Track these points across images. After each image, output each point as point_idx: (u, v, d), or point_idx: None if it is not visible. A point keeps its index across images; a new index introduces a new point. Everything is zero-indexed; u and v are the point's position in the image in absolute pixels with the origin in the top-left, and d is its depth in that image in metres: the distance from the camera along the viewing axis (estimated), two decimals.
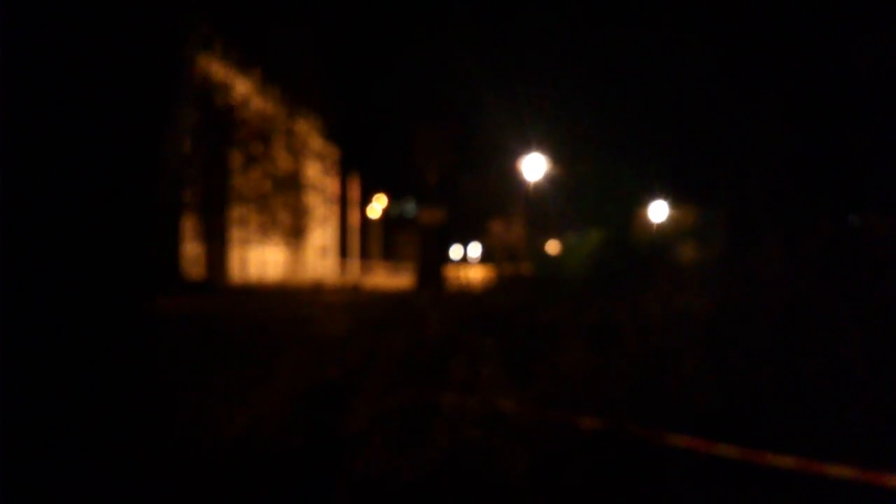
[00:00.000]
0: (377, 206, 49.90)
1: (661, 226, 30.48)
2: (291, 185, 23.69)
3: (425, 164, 22.22)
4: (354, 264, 46.58)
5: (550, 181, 26.62)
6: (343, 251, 49.03)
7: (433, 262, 22.76)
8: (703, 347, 5.71)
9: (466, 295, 15.10)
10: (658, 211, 30.99)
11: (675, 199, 31.33)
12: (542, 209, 28.74)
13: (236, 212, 23.43)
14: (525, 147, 25.07)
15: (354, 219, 47.98)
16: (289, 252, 34.43)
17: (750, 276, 8.90)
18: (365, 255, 49.74)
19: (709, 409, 4.45)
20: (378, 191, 49.38)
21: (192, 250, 25.24)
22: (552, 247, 28.21)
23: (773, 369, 5.20)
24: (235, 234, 26.20)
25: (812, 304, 6.46)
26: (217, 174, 22.53)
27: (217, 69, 22.31)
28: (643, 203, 31.38)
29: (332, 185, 40.31)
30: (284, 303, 14.70)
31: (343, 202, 47.15)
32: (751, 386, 4.93)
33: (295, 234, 24.98)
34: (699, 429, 4.05)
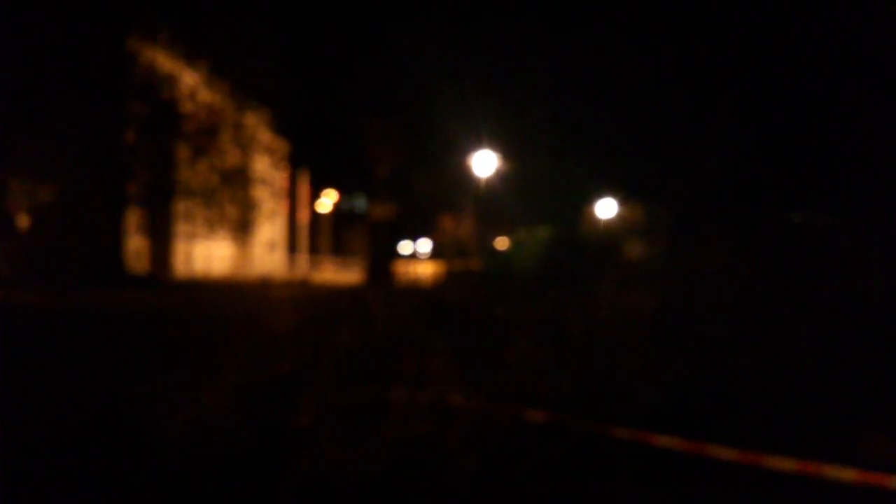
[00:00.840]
0: (327, 200, 49.54)
1: (609, 222, 30.87)
2: (239, 179, 23.38)
3: (376, 160, 22.14)
4: (303, 259, 46.20)
5: (501, 178, 26.74)
6: (292, 246, 48.60)
7: (383, 257, 22.72)
8: (648, 343, 5.79)
9: (416, 290, 15.10)
10: (606, 208, 31.39)
11: (624, 197, 31.78)
12: (492, 205, 28.88)
13: (182, 206, 23.06)
14: (476, 143, 25.15)
15: (304, 214, 47.59)
16: (236, 247, 34.02)
17: (695, 272, 9.05)
18: (314, 250, 49.35)
19: (654, 403, 4.51)
20: (328, 186, 49.02)
21: (136, 244, 24.78)
22: (502, 243, 28.37)
23: (716, 364, 5.29)
24: (181, 228, 25.79)
25: (755, 299, 6.60)
26: (163, 167, 22.16)
27: (163, 61, 21.92)
28: (592, 200, 31.76)
29: (281, 179, 39.92)
30: (231, 298, 14.53)
31: (292, 197, 46.73)
32: (695, 380, 5.01)
33: (242, 228, 24.67)
34: (644, 422, 4.10)
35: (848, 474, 3.41)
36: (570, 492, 3.43)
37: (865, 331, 5.56)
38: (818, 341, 5.33)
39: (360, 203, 54.53)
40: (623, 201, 31.64)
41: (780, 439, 3.84)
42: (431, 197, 31.08)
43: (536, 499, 3.34)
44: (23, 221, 21.63)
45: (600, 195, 31.40)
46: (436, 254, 43.96)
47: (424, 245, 54.02)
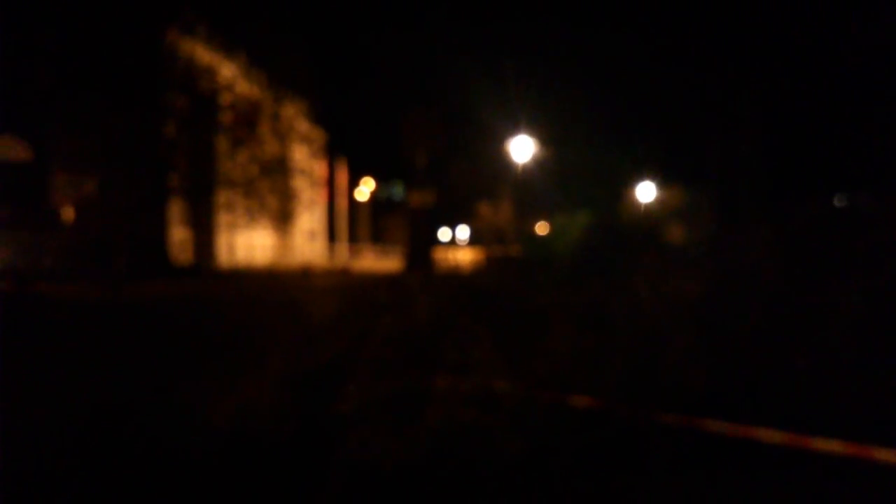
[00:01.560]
0: (365, 189, 49.78)
1: (649, 207, 30.55)
2: (278, 169, 23.60)
3: (414, 148, 22.16)
4: (343, 248, 46.50)
5: (539, 163, 26.61)
6: (331, 235, 48.93)
7: (422, 244, 22.77)
8: (691, 329, 5.73)
9: (455, 277, 15.11)
10: (646, 192, 31.06)
11: (663, 181, 31.42)
12: (530, 191, 28.76)
13: (223, 196, 23.34)
14: (513, 130, 25.04)
15: (342, 202, 47.86)
16: (277, 236, 34.34)
17: (737, 257, 8.93)
18: (353, 238, 49.65)
19: (697, 388, 4.48)
20: (366, 174, 49.25)
21: (179, 235, 25.15)
22: (541, 229, 28.25)
23: (761, 350, 5.23)
24: (223, 218, 26.11)
25: (798, 285, 6.50)
26: (203, 159, 22.43)
27: (202, 54, 22.15)
28: (631, 184, 31.45)
29: (319, 168, 40.16)
30: (273, 287, 14.67)
31: (331, 186, 47.01)
32: (739, 366, 4.96)
33: (282, 218, 24.91)
34: (688, 408, 4.08)
35: (893, 457, 3.37)
36: (615, 477, 3.43)
37: None
38: (862, 326, 5.24)
39: (398, 191, 54.68)
40: (663, 185, 31.30)
41: (825, 423, 3.80)
42: (470, 184, 31.03)
43: (581, 484, 3.35)
44: (67, 214, 22.07)
45: (640, 179, 31.09)
46: (475, 240, 43.94)
47: (463, 232, 54.03)
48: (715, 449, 3.73)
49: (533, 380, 4.58)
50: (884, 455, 3.40)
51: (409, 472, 3.34)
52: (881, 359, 4.93)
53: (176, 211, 23.65)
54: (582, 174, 29.86)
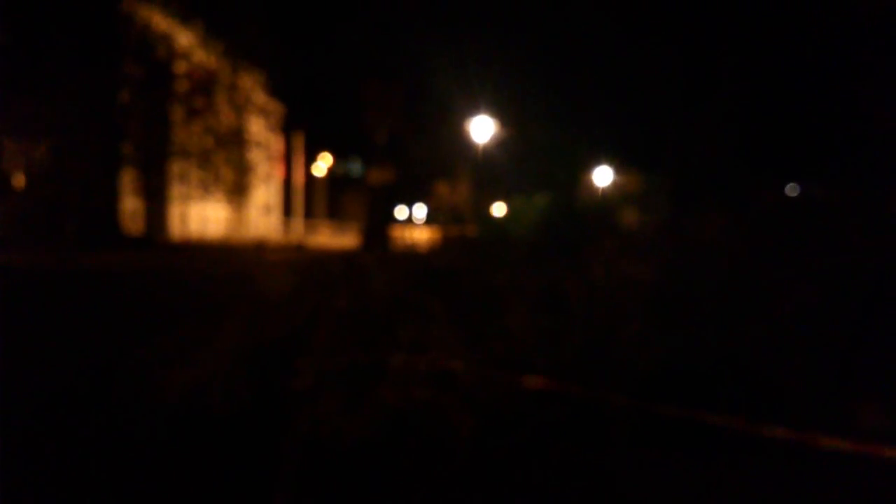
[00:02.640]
0: (322, 164, 49.36)
1: (606, 191, 30.83)
2: (234, 141, 23.29)
3: (373, 124, 22.01)
4: (298, 223, 46.15)
5: (498, 144, 26.62)
6: (287, 210, 48.52)
7: (379, 222, 22.68)
8: (646, 311, 5.79)
9: (412, 256, 15.08)
10: (604, 176, 31.32)
11: (621, 166, 31.71)
12: (489, 172, 28.79)
13: (177, 167, 22.98)
14: (474, 109, 24.98)
15: (299, 177, 47.43)
16: (231, 209, 33.94)
17: (691, 242, 9.04)
18: (309, 213, 49.28)
19: (651, 370, 4.52)
20: (324, 149, 48.81)
21: (132, 205, 24.69)
22: (498, 209, 28.33)
23: (712, 333, 5.30)
24: (176, 190, 25.70)
25: (751, 270, 6.60)
26: (158, 128, 22.04)
27: (159, 20, 21.68)
28: (589, 168, 31.67)
29: (276, 142, 39.71)
30: (226, 260, 14.50)
31: (288, 160, 46.54)
32: (692, 349, 5.03)
33: (237, 191, 24.62)
34: (641, 390, 4.12)
35: (842, 444, 3.44)
36: (568, 457, 3.44)
37: (861, 304, 5.58)
38: (813, 313, 5.35)
39: (356, 167, 54.35)
40: (620, 170, 31.59)
41: (775, 409, 3.86)
42: (428, 162, 30.93)
43: (533, 463, 3.36)
44: (18, 181, 21.52)
45: (598, 163, 31.32)
46: (432, 219, 43.94)
47: (421, 210, 54.00)
48: (665, 431, 3.77)
49: (488, 359, 4.59)
50: (829, 442, 3.46)
51: (363, 448, 3.32)
52: (831, 345, 5.04)
53: (128, 180, 23.18)
54: (541, 156, 29.95)
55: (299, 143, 46.62)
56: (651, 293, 6.27)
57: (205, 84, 22.34)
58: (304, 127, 45.42)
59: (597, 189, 30.86)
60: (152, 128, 21.88)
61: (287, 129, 42.90)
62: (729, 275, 6.63)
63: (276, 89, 28.52)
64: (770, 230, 8.31)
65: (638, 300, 6.13)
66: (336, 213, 53.92)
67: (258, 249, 20.81)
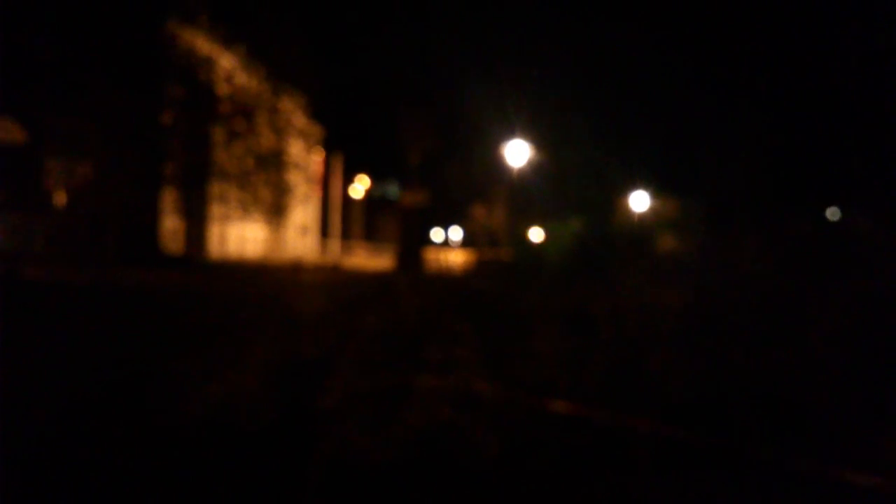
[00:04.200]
0: (359, 186, 49.76)
1: (642, 215, 30.63)
2: (273, 162, 23.56)
3: (408, 147, 22.17)
4: (335, 244, 46.47)
5: (533, 168, 26.64)
6: (324, 231, 48.91)
7: (413, 244, 22.77)
8: (677, 337, 5.76)
9: (446, 278, 15.11)
10: (639, 201, 31.13)
11: (657, 190, 31.53)
12: (524, 195, 28.79)
13: (217, 188, 23.30)
14: (509, 133, 25.06)
15: (336, 199, 47.82)
16: (269, 230, 34.30)
17: (727, 268, 8.97)
18: (346, 235, 49.62)
19: (681, 398, 4.50)
20: (361, 171, 49.23)
21: (171, 225, 25.09)
22: (533, 233, 28.29)
23: (744, 361, 5.25)
24: (216, 210, 26.05)
25: (787, 297, 6.53)
26: (198, 149, 22.39)
27: (201, 44, 22.11)
28: (625, 192, 31.53)
29: (314, 164, 40.13)
30: (262, 280, 14.65)
31: (326, 182, 46.99)
32: (724, 377, 4.98)
33: (276, 211, 24.87)
34: (670, 417, 4.10)
35: (869, 480, 3.39)
36: (591, 483, 3.44)
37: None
38: (848, 342, 5.27)
39: (393, 189, 54.65)
40: (656, 195, 31.39)
41: (804, 439, 3.82)
42: (464, 185, 31.02)
43: (556, 488, 3.36)
44: (59, 199, 21.99)
45: (634, 188, 31.16)
46: (467, 242, 43.99)
47: (456, 233, 54.08)
48: (694, 460, 3.75)
49: (515, 382, 4.60)
50: (856, 477, 3.41)
51: (387, 468, 3.35)
52: (868, 374, 4.97)
53: (169, 200, 23.57)
54: (577, 180, 29.91)
55: (337, 165, 47.08)
56: (681, 319, 6.24)
57: (246, 106, 22.68)
58: (343, 149, 45.91)
59: (632, 213, 30.67)
60: (193, 149, 22.24)
61: (326, 151, 43.37)
62: (761, 302, 6.56)
63: (315, 112, 28.85)
64: (805, 258, 8.22)
65: (668, 325, 6.09)
66: (372, 235, 54.23)
67: (294, 269, 20.98)
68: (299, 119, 27.08)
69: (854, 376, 4.85)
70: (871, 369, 4.93)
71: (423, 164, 22.38)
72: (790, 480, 3.50)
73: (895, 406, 4.43)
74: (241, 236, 32.02)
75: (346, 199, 49.93)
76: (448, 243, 52.11)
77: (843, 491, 3.39)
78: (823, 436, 3.90)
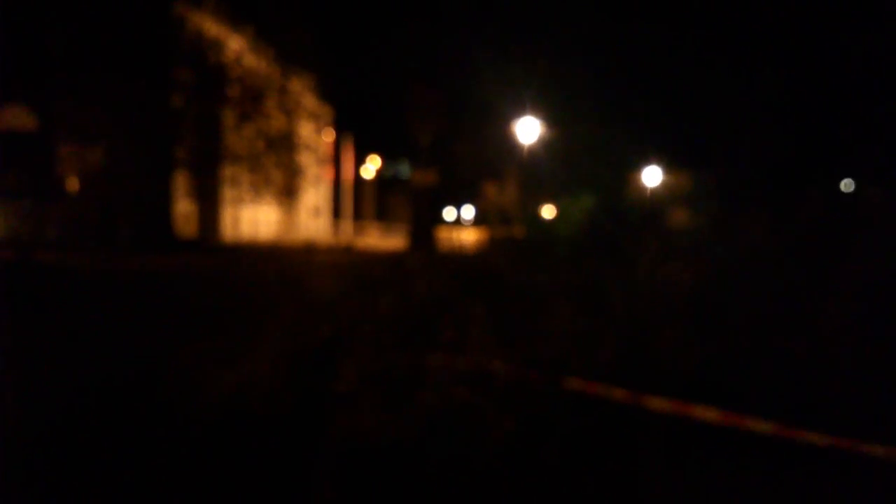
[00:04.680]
0: (371, 166, 49.71)
1: (654, 191, 30.48)
2: (284, 144, 23.53)
3: (418, 126, 22.10)
4: (347, 225, 46.50)
5: (544, 145, 26.52)
6: (336, 212, 48.94)
7: (425, 223, 22.77)
8: (690, 313, 5.75)
9: (458, 257, 15.13)
10: (651, 176, 30.97)
11: (669, 165, 31.33)
12: (535, 173, 28.69)
13: (229, 171, 23.31)
14: (519, 110, 24.93)
15: (348, 179, 47.80)
16: (281, 212, 34.36)
17: (739, 242, 8.93)
18: (358, 215, 49.61)
19: (693, 374, 4.51)
20: (372, 152, 49.14)
21: (184, 208, 25.18)
22: (545, 210, 28.23)
23: (758, 337, 5.25)
24: (228, 193, 26.09)
25: (798, 273, 6.51)
26: (209, 132, 22.39)
27: (210, 26, 22.06)
28: (637, 168, 31.36)
29: (325, 145, 40.10)
30: (276, 262, 14.70)
31: (337, 163, 46.95)
32: (736, 353, 4.98)
33: (287, 193, 24.88)
34: (682, 393, 4.10)
35: (882, 451, 3.39)
36: (605, 460, 3.46)
37: None
38: (861, 316, 5.26)
39: (404, 169, 54.54)
40: (669, 169, 31.21)
41: (818, 415, 3.82)
42: (475, 163, 30.92)
43: (571, 466, 3.38)
44: (72, 185, 22.10)
45: (646, 163, 30.98)
46: (479, 220, 43.91)
47: (468, 211, 54.02)
48: (704, 436, 3.76)
49: (528, 360, 4.62)
50: (870, 449, 3.41)
51: (402, 448, 3.38)
52: (879, 350, 4.95)
53: (181, 184, 23.62)
54: (588, 156, 29.74)
55: (348, 145, 47.02)
56: (694, 296, 6.23)
57: (256, 88, 22.63)
58: (353, 130, 45.81)
59: (644, 189, 30.52)
60: (204, 132, 22.23)
61: (337, 131, 43.32)
62: (776, 277, 6.55)
63: (325, 93, 28.78)
64: (818, 231, 8.17)
65: (682, 302, 6.09)
66: (384, 215, 54.20)
67: (307, 251, 21.03)
68: (309, 100, 27.03)
69: (868, 352, 4.85)
70: (886, 344, 4.92)
71: (434, 143, 22.33)
72: (803, 455, 3.51)
73: None
74: (253, 219, 32.09)
75: (358, 180, 49.90)
76: (460, 222, 52.07)
77: (859, 464, 3.40)
78: (837, 411, 3.90)
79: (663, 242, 10.52)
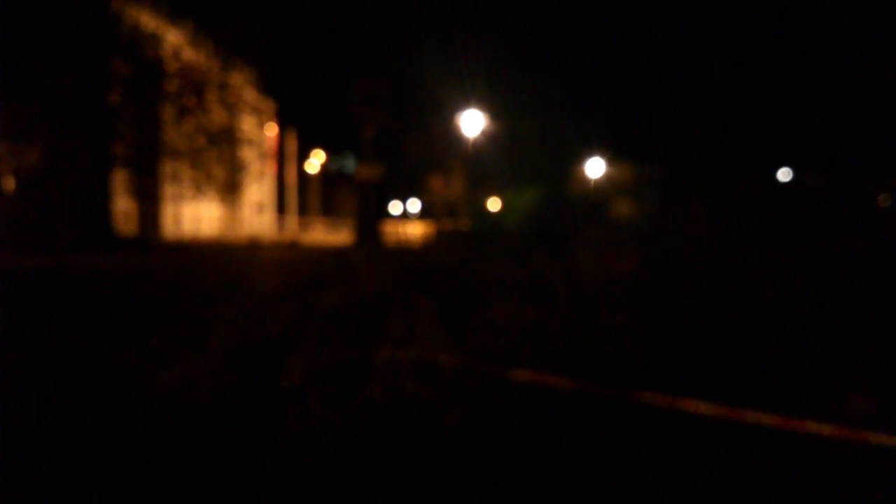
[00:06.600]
0: (315, 161, 49.28)
1: (597, 182, 30.84)
2: (226, 139, 23.21)
3: (361, 120, 21.98)
4: (292, 220, 46.09)
5: (489, 137, 26.63)
6: (281, 207, 48.44)
7: (371, 218, 22.67)
8: (633, 302, 5.84)
9: (405, 251, 15.13)
10: (595, 168, 31.31)
11: (612, 157, 31.72)
12: (480, 165, 28.80)
13: (169, 167, 22.91)
14: (464, 103, 24.99)
15: (292, 174, 47.35)
16: (224, 208, 33.89)
17: (681, 231, 9.10)
18: (303, 210, 49.20)
19: (636, 361, 4.58)
20: (317, 146, 48.71)
21: (124, 206, 24.65)
22: (491, 202, 28.36)
23: (699, 322, 5.36)
24: (168, 189, 25.64)
25: (737, 258, 6.66)
26: (149, 128, 21.98)
27: (147, 20, 21.62)
28: (581, 160, 31.68)
29: (268, 139, 39.67)
30: (219, 259, 14.52)
31: (280, 157, 46.45)
32: (677, 339, 5.08)
33: (230, 189, 24.56)
34: (627, 380, 4.17)
35: (826, 429, 3.49)
36: (553, 449, 3.49)
37: (845, 289, 5.64)
38: (799, 299, 5.41)
39: (349, 163, 54.21)
40: (612, 161, 31.60)
41: (761, 395, 3.92)
42: (420, 157, 30.92)
43: (520, 456, 3.41)
44: (9, 184, 21.49)
45: (590, 155, 31.32)
46: (426, 214, 43.93)
47: (414, 205, 53.97)
48: (650, 421, 3.82)
49: (475, 352, 4.64)
50: (813, 427, 3.51)
51: (351, 443, 3.37)
52: (815, 331, 5.10)
53: (121, 181, 23.12)
54: (532, 149, 29.95)
55: (292, 140, 46.56)
56: (637, 284, 6.33)
57: (195, 83, 22.26)
58: (297, 124, 45.35)
59: (588, 181, 30.87)
60: (143, 128, 21.82)
61: (280, 126, 42.86)
62: (715, 263, 6.68)
63: (267, 86, 28.44)
64: (755, 219, 8.37)
65: (624, 291, 6.18)
66: (330, 210, 53.84)
67: (251, 248, 20.80)
68: (251, 94, 26.69)
69: (805, 332, 4.99)
70: (820, 325, 5.07)
71: (379, 136, 22.24)
72: (751, 436, 3.59)
73: (844, 359, 4.57)
74: (195, 215, 31.59)
75: (303, 175, 49.45)
76: (407, 216, 52.00)
77: (803, 442, 3.49)
78: (781, 393, 4.00)
79: (607, 233, 10.67)
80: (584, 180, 31.04)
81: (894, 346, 4.74)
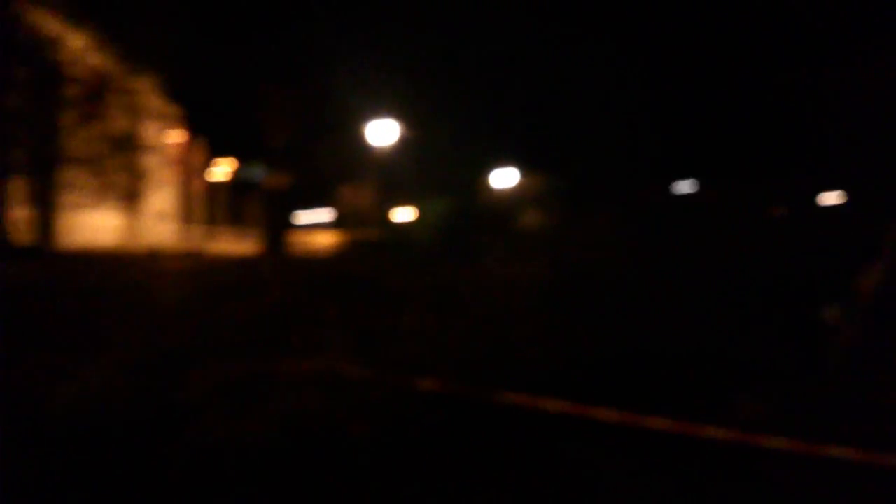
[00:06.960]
0: (222, 169, 48.30)
1: (507, 193, 31.22)
2: (128, 146, 22.53)
3: (272, 128, 21.71)
4: (197, 230, 45.00)
5: (400, 147, 26.66)
6: (186, 217, 47.25)
7: (279, 227, 22.39)
8: (539, 310, 5.93)
9: (314, 260, 14.98)
10: (503, 178, 31.71)
11: (522, 168, 32.17)
12: (391, 175, 28.79)
13: (67, 174, 22.09)
14: (375, 112, 24.95)
15: (198, 183, 46.27)
16: (125, 217, 32.84)
17: (585, 240, 9.31)
18: (210, 220, 48.11)
19: (543, 367, 4.64)
20: (225, 154, 47.74)
21: (20, 214, 23.64)
22: (402, 213, 28.38)
23: (603, 328, 5.48)
24: (67, 197, 24.71)
25: (639, 266, 6.85)
26: (47, 134, 21.17)
27: (48, 23, 20.86)
28: (491, 171, 32.03)
29: (173, 147, 38.70)
30: (118, 270, 14.06)
31: (186, 165, 45.35)
32: (581, 345, 5.18)
33: (131, 198, 23.84)
34: (533, 388, 4.21)
35: (722, 433, 3.60)
36: (458, 458, 3.50)
37: (736, 294, 5.86)
38: (696, 305, 5.59)
39: (258, 172, 53.35)
40: (522, 172, 32.05)
41: (660, 400, 4.02)
42: (331, 166, 30.67)
43: (424, 465, 3.40)
44: None
45: (499, 166, 31.69)
46: (337, 223, 43.57)
47: (325, 214, 53.48)
48: (555, 428, 3.87)
49: (383, 362, 4.62)
50: (709, 432, 3.62)
51: (253, 456, 3.30)
52: (710, 333, 5.28)
53: (16, 189, 22.15)
54: (443, 159, 30.12)
55: (199, 147, 45.53)
56: (544, 292, 6.44)
57: (97, 88, 21.56)
58: (204, 131, 44.37)
59: (498, 191, 31.24)
60: (41, 134, 21.00)
61: (186, 133, 41.88)
62: (617, 271, 6.86)
63: (174, 92, 27.80)
64: (655, 227, 8.64)
65: (531, 299, 6.28)
66: (238, 220, 52.81)
67: (151, 258, 20.23)
68: (156, 100, 26.03)
69: (706, 338, 5.16)
70: (721, 331, 5.25)
71: (289, 144, 21.98)
72: (651, 441, 3.68)
73: (743, 363, 4.74)
74: (95, 224, 30.50)
75: (209, 183, 48.40)
76: (317, 225, 51.49)
77: (702, 447, 3.59)
78: (680, 396, 4.12)
79: (515, 242, 10.81)
80: (495, 191, 31.40)
81: (783, 348, 4.96)
